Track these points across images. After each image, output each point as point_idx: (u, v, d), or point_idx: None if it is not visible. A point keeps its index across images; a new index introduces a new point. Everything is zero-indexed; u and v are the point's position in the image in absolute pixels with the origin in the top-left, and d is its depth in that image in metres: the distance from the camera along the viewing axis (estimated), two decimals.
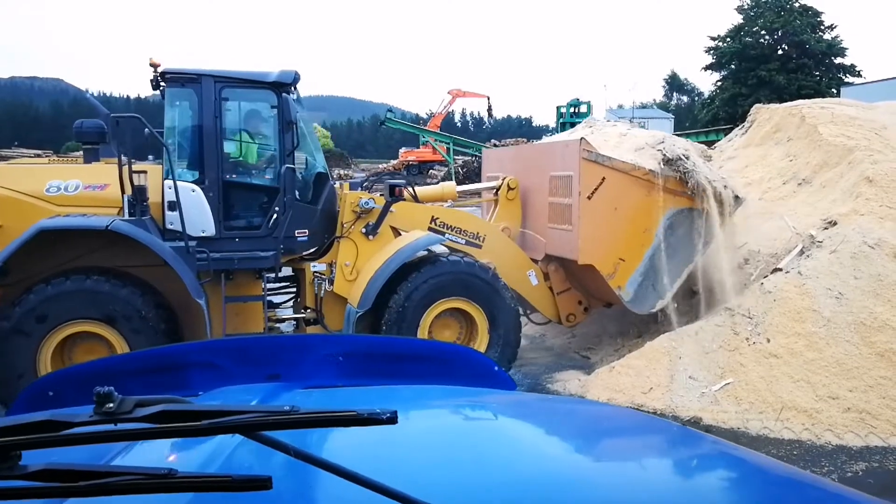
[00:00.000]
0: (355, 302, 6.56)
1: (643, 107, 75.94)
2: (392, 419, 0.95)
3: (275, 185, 6.51)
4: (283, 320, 7.25)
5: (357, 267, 6.81)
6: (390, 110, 43.36)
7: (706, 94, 57.52)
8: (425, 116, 65.80)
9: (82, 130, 6.60)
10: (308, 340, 2.52)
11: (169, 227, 6.13)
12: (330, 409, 0.97)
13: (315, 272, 7.06)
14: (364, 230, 6.87)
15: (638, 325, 8.13)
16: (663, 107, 75.25)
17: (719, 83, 49.88)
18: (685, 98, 78.60)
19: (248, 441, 1.02)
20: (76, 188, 6.05)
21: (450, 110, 47.93)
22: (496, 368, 2.19)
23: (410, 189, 7.59)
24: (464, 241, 7.33)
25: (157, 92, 6.47)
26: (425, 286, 6.60)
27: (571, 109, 39.41)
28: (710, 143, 15.28)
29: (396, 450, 1.36)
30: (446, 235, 7.25)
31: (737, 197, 7.45)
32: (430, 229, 7.14)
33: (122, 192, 5.93)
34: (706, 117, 47.06)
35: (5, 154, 34.57)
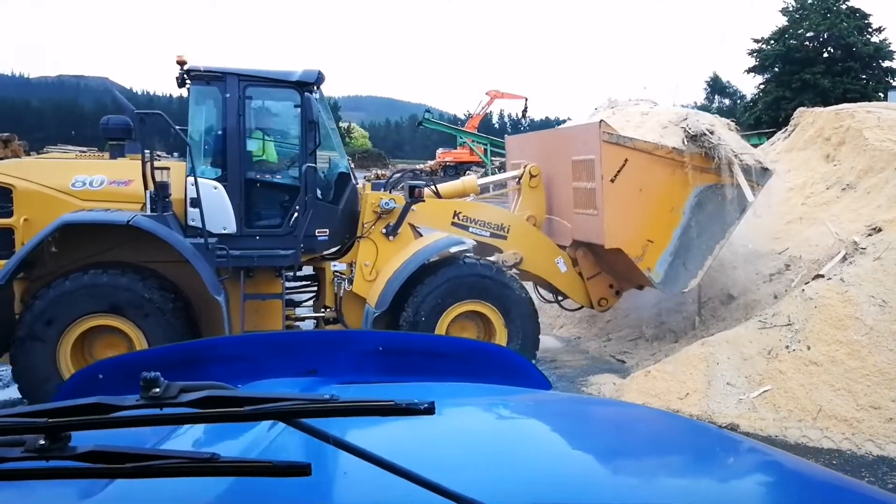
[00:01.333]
0: (374, 302, 6.58)
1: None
2: (430, 410, 0.96)
3: (296, 183, 6.53)
4: (302, 319, 7.26)
5: (377, 267, 6.80)
6: (428, 111, 43.45)
7: (749, 97, 56.46)
8: (463, 117, 65.78)
9: (108, 127, 6.64)
10: (346, 336, 2.55)
11: (191, 223, 6.19)
12: (371, 400, 0.99)
13: (335, 272, 7.08)
14: (384, 231, 6.86)
15: (675, 330, 8.05)
16: (705, 109, 73.82)
17: (762, 86, 48.89)
18: (727, 101, 77.06)
19: (288, 430, 1.04)
20: (101, 183, 6.10)
21: (488, 111, 47.81)
22: (532, 368, 2.20)
23: (432, 187, 7.57)
24: (488, 234, 7.29)
25: (184, 90, 6.51)
26: (437, 292, 6.60)
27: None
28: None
29: (432, 443, 1.37)
30: (470, 229, 7.22)
31: (765, 168, 7.27)
32: (453, 224, 7.15)
33: (146, 188, 5.97)
34: (748, 120, 46.14)
35: (51, 151, 35.34)
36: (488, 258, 7.29)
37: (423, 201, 7.05)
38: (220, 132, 6.46)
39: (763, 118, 44.24)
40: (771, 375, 6.17)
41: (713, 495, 1.26)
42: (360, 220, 6.90)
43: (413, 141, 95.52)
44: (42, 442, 0.90)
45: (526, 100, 42.33)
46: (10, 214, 5.87)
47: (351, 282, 6.85)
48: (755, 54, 48.10)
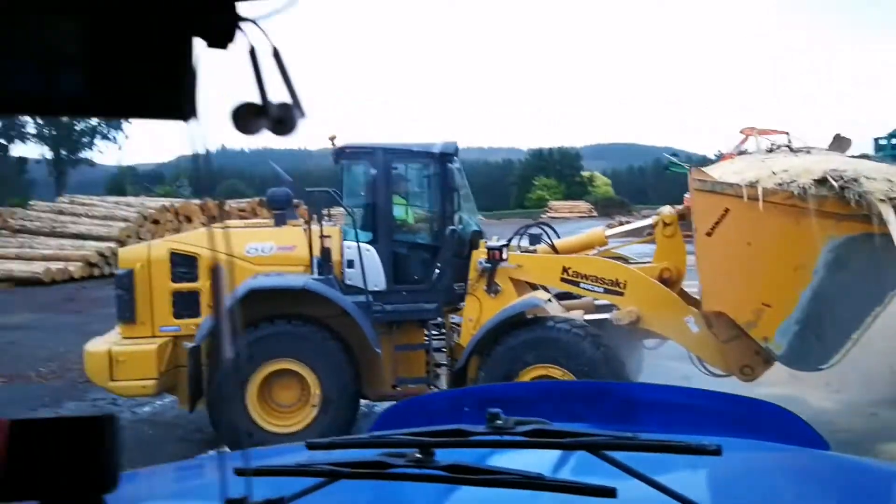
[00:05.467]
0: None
1: None
2: (717, 451, 1.12)
3: (436, 243, 7.25)
4: (441, 365, 7.64)
5: (480, 322, 6.90)
6: (674, 154, 42.00)
7: None
8: (713, 157, 62.60)
9: (273, 199, 7.77)
10: (626, 388, 2.89)
11: (347, 282, 6.95)
12: (665, 440, 1.22)
13: (452, 323, 7.51)
14: (486, 288, 7.00)
15: None
16: None
17: None
18: None
19: (592, 459, 1.22)
20: (270, 249, 7.02)
21: (742, 150, 45.04)
22: (806, 426, 2.12)
23: (547, 240, 7.62)
24: (602, 290, 6.88)
25: (338, 164, 7.36)
26: (509, 355, 6.52)
27: (893, 140, 34.54)
28: None
29: (715, 486, 1.53)
30: (581, 285, 6.92)
31: None
32: (562, 280, 6.98)
33: (311, 253, 6.81)
34: None
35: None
36: (600, 316, 7.05)
37: (499, 264, 6.95)
38: (370, 200, 7.24)
39: None
40: None
41: None
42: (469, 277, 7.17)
43: (658, 186, 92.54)
44: (418, 455, 1.20)
45: (788, 135, 39.05)
46: (195, 279, 6.80)
47: (458, 334, 7.24)
48: None
